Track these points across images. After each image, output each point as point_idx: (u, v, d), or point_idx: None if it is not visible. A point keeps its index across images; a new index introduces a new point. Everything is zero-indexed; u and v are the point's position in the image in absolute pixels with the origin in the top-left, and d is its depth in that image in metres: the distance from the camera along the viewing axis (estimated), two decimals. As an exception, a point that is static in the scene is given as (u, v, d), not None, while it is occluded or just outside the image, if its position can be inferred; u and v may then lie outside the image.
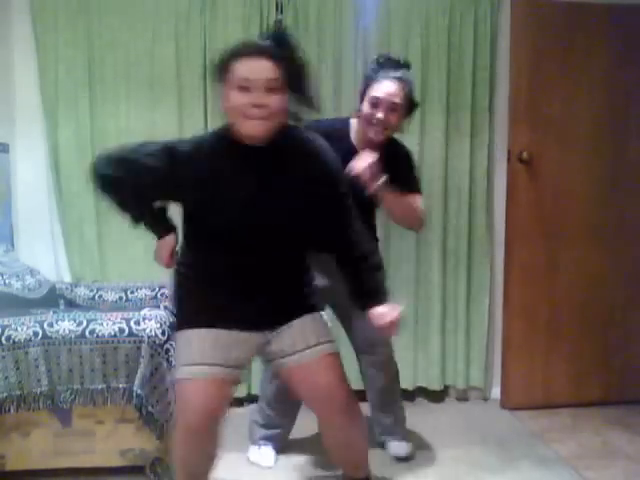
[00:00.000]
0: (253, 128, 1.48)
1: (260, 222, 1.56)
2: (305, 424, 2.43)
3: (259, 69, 1.46)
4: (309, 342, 1.68)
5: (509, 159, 2.97)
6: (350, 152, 2.09)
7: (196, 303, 1.67)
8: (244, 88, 1.45)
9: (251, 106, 1.45)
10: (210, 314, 1.64)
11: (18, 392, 2.01)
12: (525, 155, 2.91)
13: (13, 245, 2.84)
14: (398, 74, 2.14)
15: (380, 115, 2.11)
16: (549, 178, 2.96)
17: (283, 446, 2.46)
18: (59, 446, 2.11)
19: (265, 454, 2.40)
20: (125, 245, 2.91)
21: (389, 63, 2.18)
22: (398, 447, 2.41)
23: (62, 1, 2.81)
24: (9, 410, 2.01)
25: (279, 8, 2.87)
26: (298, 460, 2.42)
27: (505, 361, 3.05)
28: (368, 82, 2.17)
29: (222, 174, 1.54)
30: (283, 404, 2.38)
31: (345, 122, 2.27)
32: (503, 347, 3.06)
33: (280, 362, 1.71)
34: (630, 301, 3.07)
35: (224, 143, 1.56)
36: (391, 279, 2.69)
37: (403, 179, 2.18)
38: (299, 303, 1.72)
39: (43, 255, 2.89)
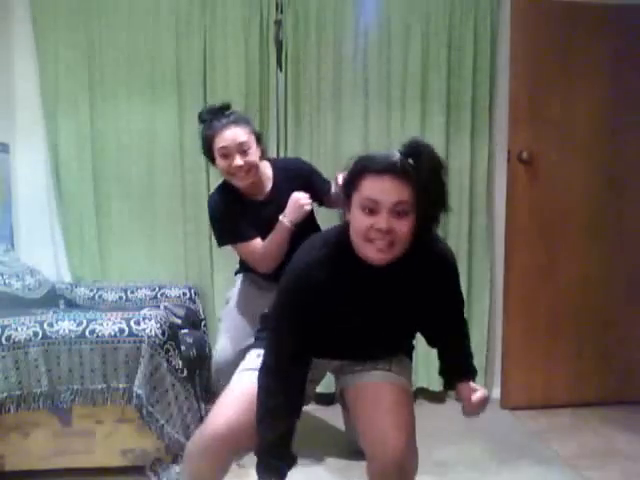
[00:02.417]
0: (374, 255, 1.34)
1: (371, 333, 1.54)
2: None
3: (388, 190, 1.28)
4: (386, 370, 1.60)
5: (509, 159, 2.97)
6: (245, 204, 2.18)
7: None
8: (370, 210, 1.30)
9: (375, 231, 1.30)
10: None
11: (18, 392, 2.01)
12: (525, 155, 2.91)
13: (13, 245, 2.84)
14: (230, 118, 2.14)
15: (236, 162, 2.10)
16: (549, 178, 2.96)
17: None
18: (59, 446, 2.11)
19: None
20: (125, 245, 2.91)
21: (213, 113, 2.17)
22: None
23: (62, 1, 2.81)
24: (9, 410, 2.01)
25: (279, 8, 2.87)
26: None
27: (505, 361, 3.05)
28: (208, 140, 2.14)
29: (341, 295, 1.45)
30: None
31: (221, 187, 2.27)
32: (503, 347, 3.06)
33: (349, 382, 1.64)
34: (630, 301, 3.07)
35: (345, 262, 1.41)
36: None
37: (316, 184, 2.25)
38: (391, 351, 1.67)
39: (43, 255, 2.89)
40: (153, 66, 2.86)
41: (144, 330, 2.03)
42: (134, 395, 2.02)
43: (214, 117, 2.16)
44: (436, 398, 3.10)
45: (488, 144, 3.02)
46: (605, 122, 2.98)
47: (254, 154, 2.15)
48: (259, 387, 1.47)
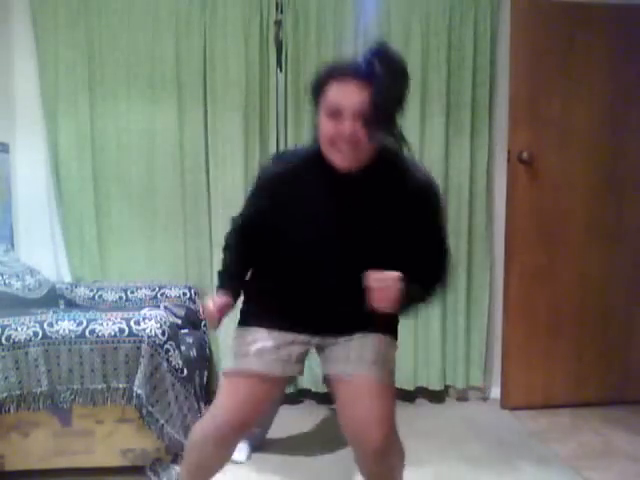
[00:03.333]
0: (340, 159, 1.38)
1: (340, 246, 1.49)
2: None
3: (352, 94, 1.31)
4: (363, 359, 1.55)
5: (509, 159, 2.97)
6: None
7: (259, 307, 1.62)
8: (335, 115, 1.34)
9: (340, 136, 1.34)
10: (271, 318, 1.58)
11: (18, 392, 2.01)
12: (525, 155, 2.91)
13: (13, 245, 2.84)
14: None
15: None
16: (549, 178, 2.96)
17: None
18: (59, 446, 2.11)
19: (239, 449, 2.40)
20: (125, 245, 2.91)
21: None
22: None
23: (62, 1, 2.81)
24: (9, 410, 2.01)
25: (279, 8, 2.87)
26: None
27: (505, 361, 3.05)
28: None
29: (308, 197, 1.48)
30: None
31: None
32: (503, 347, 3.06)
33: (328, 371, 1.61)
34: (630, 301, 3.07)
35: (314, 166, 1.46)
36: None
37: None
38: (371, 319, 1.55)
39: (43, 255, 2.90)
40: (153, 66, 2.86)
41: (144, 330, 2.03)
42: (134, 395, 2.02)
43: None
44: (436, 398, 3.10)
45: (488, 144, 3.01)
46: (605, 122, 2.98)
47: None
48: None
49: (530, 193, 2.96)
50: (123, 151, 2.89)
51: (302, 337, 1.59)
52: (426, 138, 2.96)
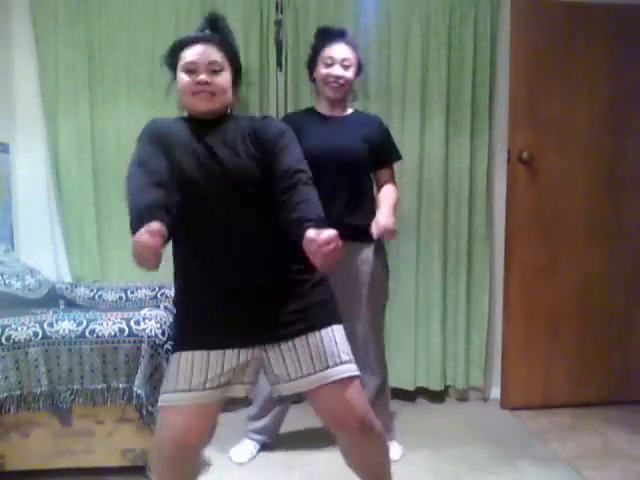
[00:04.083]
0: (200, 103, 1.63)
1: (215, 184, 1.57)
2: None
3: (202, 53, 1.63)
4: (316, 367, 1.55)
5: (509, 159, 2.97)
6: (319, 120, 2.33)
7: (180, 323, 1.65)
8: (191, 71, 1.62)
9: (196, 84, 1.61)
10: (193, 334, 1.58)
11: (18, 392, 2.01)
12: (525, 155, 2.91)
13: (13, 245, 2.84)
14: (344, 38, 2.31)
15: (336, 72, 2.25)
16: (549, 178, 2.96)
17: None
18: (59, 446, 2.11)
19: (243, 449, 2.42)
20: (125, 245, 2.87)
21: (329, 33, 2.32)
22: (394, 450, 2.39)
23: (62, 1, 2.81)
24: (9, 410, 2.01)
25: (279, 8, 2.87)
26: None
27: (505, 361, 3.05)
28: (316, 50, 2.31)
29: (177, 145, 1.63)
30: (268, 400, 2.40)
31: (310, 108, 2.45)
32: (503, 347, 3.06)
33: (284, 387, 1.59)
34: (630, 301, 3.07)
35: (181, 122, 1.71)
36: (391, 279, 2.72)
37: (384, 148, 2.39)
38: (299, 314, 1.57)
39: (43, 255, 2.89)
40: (153, 66, 2.86)
41: (144, 330, 2.03)
42: (134, 395, 2.03)
43: (327, 36, 2.31)
44: (436, 398, 3.10)
45: (488, 144, 3.01)
46: (605, 122, 2.98)
47: (353, 75, 2.31)
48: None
49: (530, 193, 2.96)
50: (123, 151, 2.88)
51: (244, 352, 1.56)
52: (426, 138, 2.96)
